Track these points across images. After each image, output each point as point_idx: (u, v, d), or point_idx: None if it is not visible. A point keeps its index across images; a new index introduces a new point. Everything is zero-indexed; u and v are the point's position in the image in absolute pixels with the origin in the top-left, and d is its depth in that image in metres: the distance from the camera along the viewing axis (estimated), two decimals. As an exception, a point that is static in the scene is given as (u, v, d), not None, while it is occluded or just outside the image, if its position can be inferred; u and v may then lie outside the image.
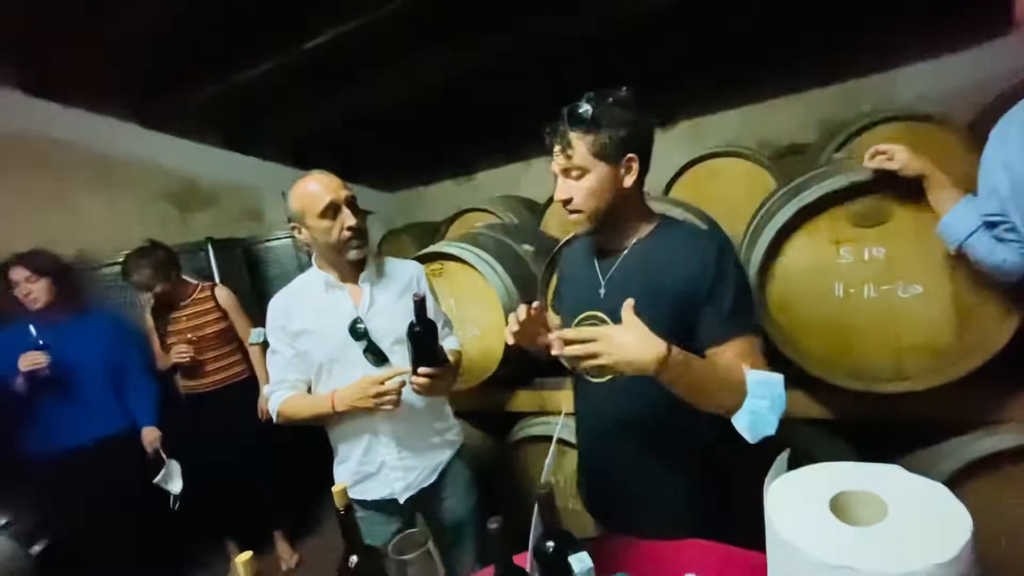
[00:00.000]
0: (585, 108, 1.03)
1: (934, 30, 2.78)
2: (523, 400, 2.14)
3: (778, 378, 0.95)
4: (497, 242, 2.25)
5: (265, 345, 2.33)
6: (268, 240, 3.54)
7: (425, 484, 1.46)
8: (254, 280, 3.41)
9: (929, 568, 0.55)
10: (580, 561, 0.75)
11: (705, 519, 1.12)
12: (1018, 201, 1.07)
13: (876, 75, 3.24)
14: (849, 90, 3.33)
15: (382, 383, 1.29)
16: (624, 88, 1.06)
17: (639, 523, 1.14)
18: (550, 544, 0.80)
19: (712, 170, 2.84)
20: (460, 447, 1.58)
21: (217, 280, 2.95)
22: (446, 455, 1.52)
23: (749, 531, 0.99)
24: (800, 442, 1.62)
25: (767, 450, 0.98)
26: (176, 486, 2.38)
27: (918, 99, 2.97)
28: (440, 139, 4.09)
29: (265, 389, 1.47)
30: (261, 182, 4.16)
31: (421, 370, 1.25)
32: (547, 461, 0.90)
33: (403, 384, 1.31)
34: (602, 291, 1.14)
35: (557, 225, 3.04)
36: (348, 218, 1.34)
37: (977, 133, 2.31)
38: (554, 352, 0.90)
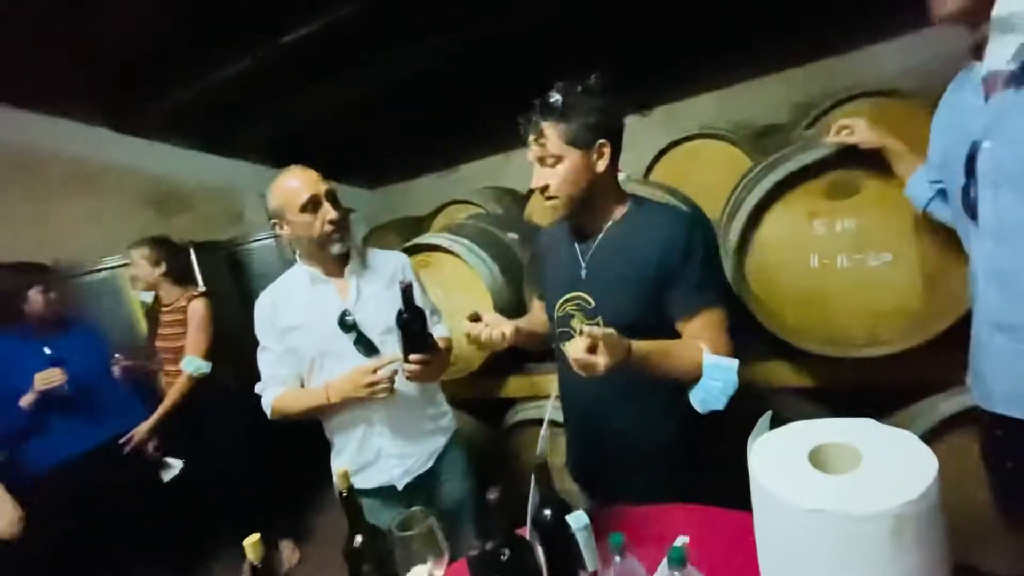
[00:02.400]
0: (555, 98, 1.07)
1: (905, 8, 2.82)
2: (514, 386, 2.17)
3: (732, 363, 1.02)
4: (481, 231, 2.27)
5: (199, 376, 2.31)
6: (251, 242, 3.52)
7: (422, 470, 1.48)
8: (238, 282, 3.38)
9: (899, 506, 0.60)
10: (577, 519, 0.78)
11: (688, 484, 1.16)
12: (944, 171, 1.07)
13: (847, 55, 3.29)
14: (820, 70, 3.38)
15: (374, 372, 1.31)
16: (593, 76, 1.09)
17: (624, 490, 1.18)
18: (547, 512, 0.83)
19: (690, 152, 2.89)
20: (454, 433, 1.60)
21: (200, 284, 2.91)
22: (441, 441, 1.54)
23: (731, 495, 1.04)
24: (779, 410, 1.67)
25: (748, 419, 1.03)
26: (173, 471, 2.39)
27: (891, 76, 3.01)
28: (421, 133, 4.07)
29: (257, 387, 1.48)
30: (240, 184, 4.10)
31: (412, 357, 1.27)
32: (542, 432, 0.93)
33: (395, 372, 1.32)
34: (583, 272, 1.18)
35: (540, 213, 3.06)
36: (329, 212, 1.35)
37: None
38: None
